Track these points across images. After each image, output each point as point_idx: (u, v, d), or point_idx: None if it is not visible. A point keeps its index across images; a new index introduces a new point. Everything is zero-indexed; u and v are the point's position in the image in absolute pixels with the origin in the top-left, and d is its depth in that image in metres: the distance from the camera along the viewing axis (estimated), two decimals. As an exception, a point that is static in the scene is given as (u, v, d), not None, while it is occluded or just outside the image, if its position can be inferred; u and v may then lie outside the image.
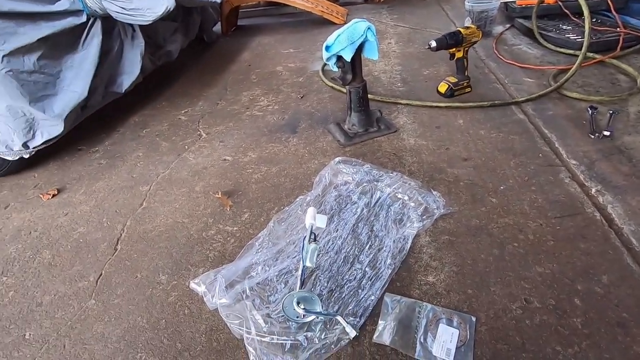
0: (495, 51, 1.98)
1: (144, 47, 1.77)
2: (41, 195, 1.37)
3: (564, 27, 2.04)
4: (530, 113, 1.44)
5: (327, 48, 1.22)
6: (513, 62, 1.84)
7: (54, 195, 1.36)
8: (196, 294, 0.90)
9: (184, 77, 2.28)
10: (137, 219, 1.19)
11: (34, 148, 1.40)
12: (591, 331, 0.72)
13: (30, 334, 0.87)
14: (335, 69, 1.31)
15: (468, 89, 1.63)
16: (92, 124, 1.77)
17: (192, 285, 0.91)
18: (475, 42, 1.55)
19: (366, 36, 1.20)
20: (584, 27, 1.43)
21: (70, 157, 1.60)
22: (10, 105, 1.29)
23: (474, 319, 0.75)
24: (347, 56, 1.22)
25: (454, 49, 1.53)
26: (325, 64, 2.09)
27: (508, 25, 2.32)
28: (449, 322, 0.76)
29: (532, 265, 0.86)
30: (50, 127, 1.40)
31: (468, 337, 0.73)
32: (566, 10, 2.08)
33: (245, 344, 0.75)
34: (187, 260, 1.01)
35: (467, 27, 1.52)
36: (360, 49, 1.26)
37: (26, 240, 1.17)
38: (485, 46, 2.08)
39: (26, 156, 1.42)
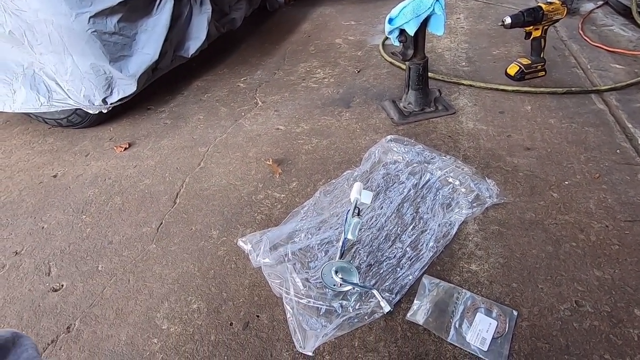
0: (581, 32, 1.77)
1: (210, 14, 1.83)
2: (115, 148, 1.52)
3: (672, 6, 1.76)
4: (613, 104, 1.29)
5: (390, 21, 1.18)
6: (600, 45, 1.64)
7: (125, 149, 1.50)
8: (242, 251, 0.96)
9: (245, 45, 2.33)
10: (195, 177, 1.28)
11: (111, 104, 1.54)
12: (648, 345, 0.66)
13: (102, 266, 1.00)
14: (397, 43, 1.26)
15: (542, 73, 1.49)
16: (159, 86, 1.90)
17: (240, 243, 0.97)
18: (557, 21, 1.39)
19: (433, 9, 1.13)
20: (698, 6, 1.23)
21: (140, 115, 1.73)
22: (94, 63, 1.42)
23: (515, 312, 0.73)
24: (411, 30, 1.17)
25: (531, 27, 1.39)
26: (386, 38, 2.02)
27: (601, 3, 2.04)
28: (488, 312, 0.74)
29: (590, 268, 0.80)
30: (125, 86, 1.53)
31: (507, 330, 0.71)
32: (678, -14, 1.79)
33: (284, 302, 0.80)
34: (237, 219, 1.08)
35: (550, 3, 1.37)
36: (425, 23, 1.19)
37: (101, 186, 1.31)
38: (569, 25, 1.86)
39: (104, 111, 1.57)
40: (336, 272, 0.81)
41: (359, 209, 0.89)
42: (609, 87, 1.35)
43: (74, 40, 1.35)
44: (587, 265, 0.81)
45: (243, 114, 1.62)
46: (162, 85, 1.90)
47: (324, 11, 2.73)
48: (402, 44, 1.25)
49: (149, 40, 1.57)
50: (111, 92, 1.51)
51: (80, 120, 1.63)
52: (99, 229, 1.12)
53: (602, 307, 0.73)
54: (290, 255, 0.91)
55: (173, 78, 1.96)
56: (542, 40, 1.43)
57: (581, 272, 0.79)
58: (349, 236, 0.84)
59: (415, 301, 0.79)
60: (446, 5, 1.20)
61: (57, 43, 1.36)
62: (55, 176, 1.40)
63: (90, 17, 1.34)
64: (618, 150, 1.09)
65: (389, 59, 1.82)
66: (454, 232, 0.91)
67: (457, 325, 0.74)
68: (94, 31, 1.36)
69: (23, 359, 0.27)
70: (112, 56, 1.44)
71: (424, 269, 0.84)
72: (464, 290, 0.79)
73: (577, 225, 0.89)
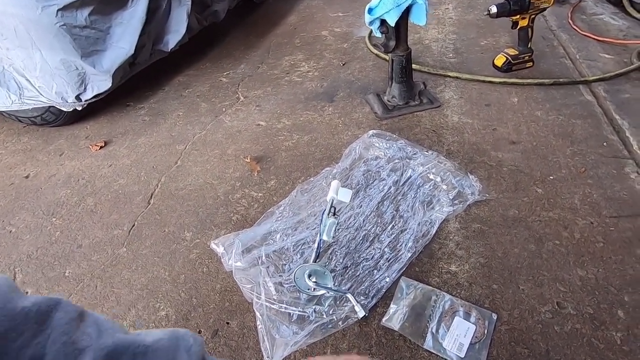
0: (570, 21, 1.73)
1: (190, 6, 1.77)
2: (90, 146, 1.46)
3: (663, -7, 1.72)
4: (601, 95, 1.25)
5: (370, 11, 1.13)
6: (590, 35, 1.60)
7: (101, 147, 1.45)
8: (215, 254, 0.92)
9: (229, 38, 2.27)
10: (171, 176, 1.24)
11: (85, 101, 1.49)
12: (631, 349, 0.64)
13: (69, 272, 0.95)
14: (379, 34, 1.21)
15: (529, 64, 1.45)
16: (139, 81, 1.84)
17: (212, 245, 0.93)
18: (544, 9, 1.35)
19: (415, -2, 1.08)
20: (688, -7, 1.19)
21: (118, 112, 1.68)
22: (64, 59, 1.36)
23: (494, 316, 0.70)
24: (392, 20, 1.12)
25: (517, 16, 1.34)
26: (371, 30, 1.97)
27: (591, -9, 2.00)
28: (467, 316, 0.71)
29: (573, 267, 0.77)
30: (99, 82, 1.47)
31: (485, 334, 0.68)
32: (669, -27, 1.74)
33: (254, 309, 0.77)
34: (212, 220, 1.04)
35: (538, -9, 1.32)
36: (407, 13, 1.14)
37: (74, 187, 1.26)
38: (558, 14, 1.82)
39: (79, 108, 1.51)
40: (309, 275, 0.78)
41: (335, 208, 0.85)
42: (597, 77, 1.31)
43: (42, 34, 1.29)
44: (570, 264, 0.77)
45: (224, 109, 1.57)
46: (142, 80, 1.84)
47: (311, 2, 2.67)
48: (383, 35, 1.21)
49: (124, 33, 1.51)
50: (85, 88, 1.46)
51: (54, 119, 1.57)
52: (68, 232, 1.08)
53: (584, 309, 0.70)
54: (264, 258, 0.87)
55: (154, 73, 1.90)
56: (529, 29, 1.39)
57: (564, 272, 0.76)
58: (325, 237, 0.81)
59: (391, 305, 0.75)
60: (429, -6, 1.15)
61: (23, 37, 1.30)
62: (27, 177, 1.35)
63: (58, 10, 1.28)
64: (605, 143, 1.06)
65: (375, 51, 1.77)
66: (434, 231, 0.88)
67: (434, 331, 0.71)
68: (62, 25, 1.30)
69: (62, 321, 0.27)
70: (83, 51, 1.38)
71: (402, 271, 0.81)
72: (442, 293, 0.76)
73: (561, 222, 0.86)
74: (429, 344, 0.69)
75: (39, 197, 1.24)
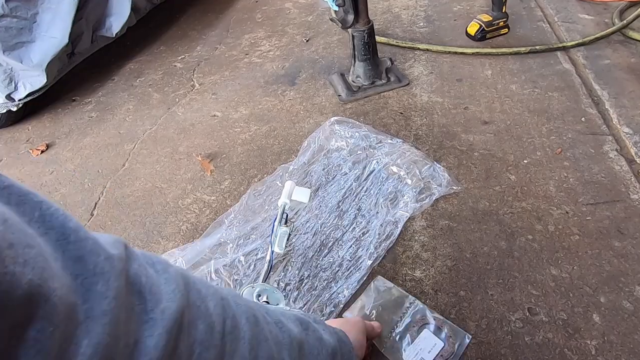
0: (549, -22, 1.60)
1: (132, -17, 1.58)
2: (31, 151, 1.33)
3: (648, -58, 1.58)
4: (580, 62, 1.16)
5: (321, -19, 0.99)
6: (569, -7, 1.47)
7: (43, 151, 1.32)
8: (161, 272, 0.83)
9: (184, 17, 2.07)
10: (117, 181, 1.13)
11: (19, 100, 1.34)
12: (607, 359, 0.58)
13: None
14: (335, 7, 1.08)
15: (504, 30, 1.33)
16: (87, 72, 1.68)
17: (157, 262, 0.84)
18: (519, -32, 1.22)
19: (370, -37, 0.95)
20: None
21: (63, 109, 1.53)
22: (-17, 55, 1.20)
23: (468, 338, 0.63)
24: (346, -9, 0.99)
25: (490, -22, 1.21)
26: None
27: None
28: (437, 331, 0.64)
29: (546, 266, 0.70)
30: (32, 78, 1.31)
31: (453, 355, 0.61)
32: None
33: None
34: (159, 231, 0.94)
35: (511, -53, 1.18)
36: (363, -19, 1.01)
37: (12, 200, 1.14)
38: (536, -29, 1.68)
39: (14, 109, 1.37)
40: (259, 295, 0.70)
41: (287, 215, 0.76)
42: (577, 42, 1.21)
43: (-50, 28, 1.13)
44: (543, 262, 0.71)
45: (177, 99, 1.43)
46: (89, 70, 1.68)
47: (274, -29, 2.45)
48: (340, 8, 1.07)
49: (54, 20, 1.34)
50: (15, 86, 1.30)
51: (-11, 121, 1.42)
52: (2, 254, 0.97)
53: (557, 315, 0.64)
54: (213, 274, 0.78)
55: (103, 61, 1.73)
56: (504, -8, 1.26)
57: (536, 272, 0.69)
58: (276, 249, 0.72)
59: (359, 299, 0.69)
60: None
61: None
62: (-40, 191, 1.22)
63: (-36, -1, 1.10)
64: (583, 118, 0.97)
65: (341, 24, 1.62)
66: (398, 232, 0.80)
67: (397, 338, 0.64)
68: (-27, 15, 1.13)
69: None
70: (5, 44, 1.22)
71: (362, 280, 0.73)
72: (417, 301, 0.68)
73: (534, 213, 0.79)
74: (388, 350, 0.63)
75: (-27, 213, 1.13)
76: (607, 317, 0.62)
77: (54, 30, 1.33)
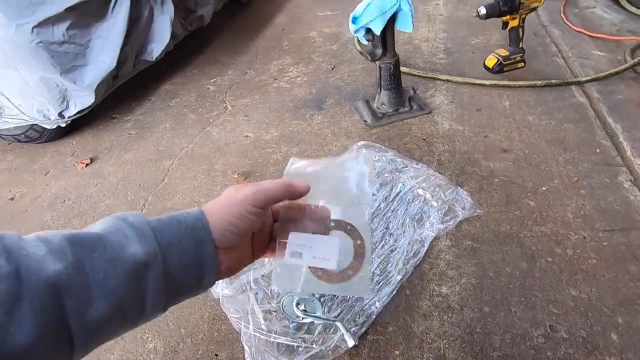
0: (563, 15, 1.69)
1: (173, 13, 1.72)
2: (76, 164, 1.43)
3: (657, -16, 1.68)
4: (594, 96, 1.23)
5: (354, 20, 1.09)
6: (582, 30, 1.56)
7: (87, 164, 1.42)
8: (203, 281, 0.90)
9: (216, 43, 2.22)
10: (158, 194, 1.21)
11: (68, 117, 1.45)
12: (625, 375, 0.62)
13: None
14: (365, 42, 1.18)
15: (521, 64, 1.42)
16: (126, 91, 1.80)
17: (200, 271, 0.91)
18: (535, 9, 1.31)
19: (399, 5, 1.05)
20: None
21: (104, 126, 1.65)
22: (43, 76, 1.32)
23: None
24: (377, 29, 1.09)
25: (507, 17, 1.31)
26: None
27: (584, -18, 1.95)
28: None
29: (566, 287, 0.75)
30: (82, 98, 1.43)
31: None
32: (663, -37, 1.70)
33: (242, 341, 0.75)
34: (199, 243, 1.01)
35: (527, -10, 1.29)
36: (392, 21, 1.11)
37: (60, 209, 1.24)
38: (550, 9, 1.78)
39: (63, 125, 1.48)
40: (297, 304, 0.76)
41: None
42: (590, 77, 1.28)
43: (18, 53, 1.26)
44: (562, 283, 0.76)
45: (211, 120, 1.54)
46: (128, 90, 1.80)
47: (299, 1, 2.61)
48: (370, 42, 1.17)
49: (105, 46, 1.47)
50: (67, 105, 1.42)
51: (38, 136, 1.54)
52: (54, 258, 1.06)
53: (577, 332, 0.68)
54: (252, 283, 0.85)
55: (140, 82, 1.86)
56: (520, 29, 1.35)
57: (556, 292, 0.75)
58: (312, 262, 0.79)
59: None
60: (415, -2, 1.12)
61: (-1, 57, 1.26)
62: (12, 199, 1.33)
63: (33, 27, 1.24)
64: (598, 150, 1.04)
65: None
66: (425, 250, 0.86)
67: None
68: (39, 42, 1.26)
69: None
70: (63, 67, 1.34)
71: (392, 294, 0.79)
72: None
73: (553, 237, 0.85)
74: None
75: (25, 220, 1.22)
76: (624, 337, 0.67)
77: (104, 55, 1.46)
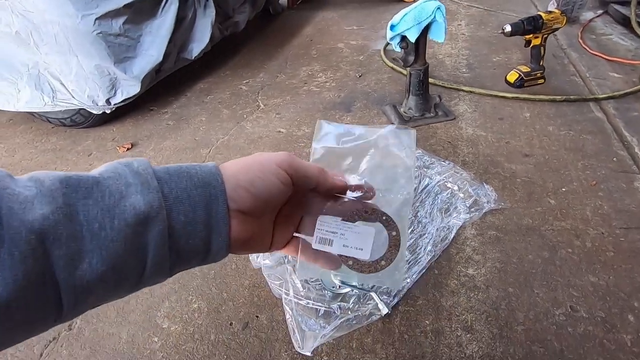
0: (580, 40, 1.79)
1: (214, 17, 1.85)
2: (118, 147, 1.53)
3: (671, 16, 1.78)
4: (611, 112, 1.30)
5: (392, 27, 1.19)
6: (599, 54, 1.66)
7: (128, 149, 1.52)
8: (243, 253, 0.97)
9: (247, 48, 2.35)
10: (197, 178, 1.30)
11: (114, 104, 1.56)
12: (641, 350, 0.68)
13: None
14: (398, 49, 1.28)
15: (541, 81, 1.51)
16: (163, 87, 1.92)
17: (240, 244, 0.98)
18: (557, 29, 1.41)
19: (434, 17, 1.15)
20: (695, 18, 1.24)
21: (143, 116, 1.75)
22: (99, 64, 1.43)
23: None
24: (412, 37, 1.19)
25: (530, 35, 1.41)
26: (387, 44, 2.04)
27: (600, 12, 2.07)
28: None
29: (585, 274, 0.81)
30: (129, 87, 1.54)
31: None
32: (676, -3, 1.81)
33: (283, 303, 0.81)
34: (238, 221, 1.09)
35: (550, 12, 1.39)
36: (426, 30, 1.21)
37: (104, 186, 1.32)
38: (569, 34, 1.88)
39: (108, 111, 1.59)
40: (335, 273, 0.83)
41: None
42: (607, 95, 1.37)
43: (80, 41, 1.37)
44: (582, 271, 0.82)
45: (245, 116, 1.64)
46: (165, 86, 1.91)
47: (327, 15, 2.76)
48: (403, 50, 1.27)
49: (154, 42, 1.59)
50: (115, 92, 1.53)
51: (83, 120, 1.64)
52: (101, 228, 1.13)
53: (596, 313, 0.74)
54: (289, 257, 0.92)
55: (176, 80, 1.98)
56: (542, 48, 1.45)
57: (576, 278, 0.80)
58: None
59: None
60: (447, 11, 1.22)
61: (62, 44, 1.38)
62: (58, 175, 1.42)
63: (96, 19, 1.36)
64: (615, 159, 1.11)
65: (390, 64, 1.83)
66: (452, 237, 0.92)
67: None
68: (99, 32, 1.38)
69: None
70: (116, 57, 1.46)
71: (421, 272, 0.85)
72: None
73: (573, 231, 0.91)
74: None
75: (70, 194, 1.30)
76: (640, 318, 0.72)
77: (152, 49, 1.58)
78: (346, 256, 0.36)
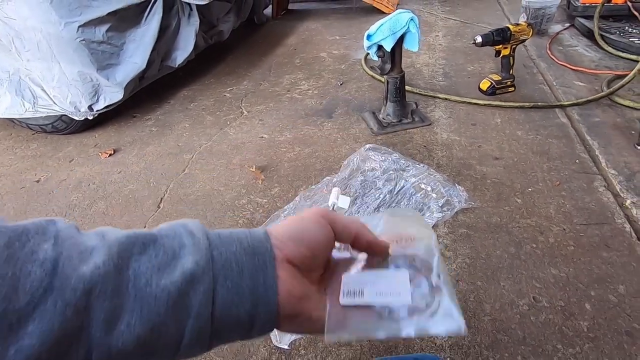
0: (548, 51, 1.90)
1: (198, 25, 1.89)
2: (100, 154, 1.53)
3: (630, 29, 1.90)
4: (575, 118, 1.39)
5: (369, 37, 1.25)
6: (565, 64, 1.76)
7: (110, 155, 1.52)
8: (224, 254, 0.99)
9: (232, 57, 2.39)
10: (179, 182, 1.31)
11: (97, 111, 1.57)
12: (596, 335, 0.73)
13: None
14: (375, 58, 1.34)
15: (511, 89, 1.59)
16: (146, 95, 1.93)
17: (222, 245, 1.00)
18: (524, 41, 1.50)
19: (408, 27, 1.21)
20: (647, 31, 1.34)
21: (126, 123, 1.76)
22: (81, 71, 1.45)
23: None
24: (388, 46, 1.24)
25: (500, 46, 1.49)
26: (368, 53, 2.11)
27: (567, 25, 2.19)
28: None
29: (547, 267, 0.86)
30: (112, 94, 1.56)
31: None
32: (635, 12, 1.94)
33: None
34: (220, 223, 1.11)
35: (517, 24, 1.48)
36: (401, 40, 1.27)
37: (85, 191, 1.33)
38: (538, 45, 1.99)
39: (90, 117, 1.59)
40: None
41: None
42: (572, 102, 1.45)
43: (62, 48, 1.39)
44: (545, 264, 0.87)
45: (228, 122, 1.66)
46: (149, 93, 1.93)
47: (310, 26, 2.83)
48: (380, 58, 1.33)
49: (137, 49, 1.61)
50: (97, 99, 1.54)
51: (65, 127, 1.64)
52: (81, 232, 1.14)
53: (556, 302, 0.79)
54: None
55: (160, 87, 2.00)
56: (511, 58, 1.53)
57: (539, 271, 0.86)
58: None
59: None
60: (422, 23, 1.29)
61: (45, 50, 1.39)
62: (38, 181, 1.41)
63: (79, 26, 1.37)
64: (577, 160, 1.18)
65: (371, 73, 1.90)
66: (425, 235, 0.97)
67: None
68: (82, 40, 1.39)
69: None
70: (99, 64, 1.47)
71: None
72: None
73: (537, 228, 0.96)
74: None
75: (51, 200, 1.30)
76: (596, 306, 0.77)
77: (136, 57, 1.60)
78: (383, 305, 0.30)
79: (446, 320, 0.28)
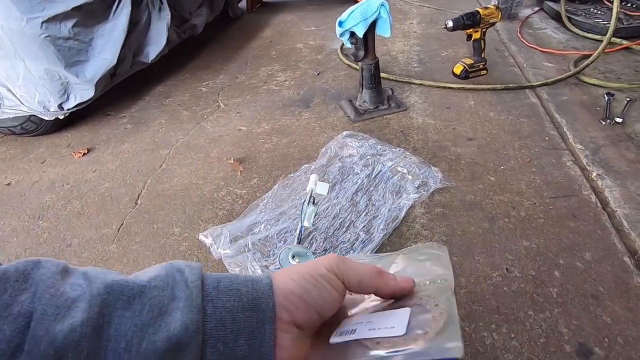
0: (519, 34, 1.94)
1: (170, 19, 1.85)
2: (73, 154, 1.50)
3: (595, 11, 1.96)
4: (544, 97, 1.43)
5: (340, 23, 1.26)
6: (535, 46, 1.80)
7: (84, 154, 1.49)
8: (204, 245, 0.99)
9: (207, 51, 2.35)
10: (157, 178, 1.30)
11: (67, 110, 1.52)
12: (565, 300, 0.76)
13: (60, 269, 0.99)
14: (349, 45, 1.34)
15: (484, 72, 1.62)
16: (120, 92, 1.89)
17: (201, 237, 1.00)
18: (493, 24, 1.53)
19: (379, 13, 1.22)
20: (609, 10, 1.39)
21: (99, 121, 1.72)
22: (48, 68, 1.40)
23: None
24: (360, 32, 1.25)
25: (471, 30, 1.52)
26: (343, 43, 2.11)
27: (537, 9, 2.24)
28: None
29: (519, 240, 0.90)
30: (82, 91, 1.51)
31: None
32: (599, -6, 2.00)
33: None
34: (199, 216, 1.10)
35: (486, 8, 1.50)
36: (373, 26, 1.28)
37: (59, 192, 1.29)
38: (509, 29, 2.03)
39: (61, 117, 1.55)
40: (293, 256, 0.86)
41: (314, 198, 0.94)
42: (541, 82, 1.49)
43: (26, 45, 1.34)
44: (517, 237, 0.90)
45: (205, 116, 1.65)
46: (122, 90, 1.88)
47: (286, 18, 2.81)
48: (353, 45, 1.34)
49: (106, 45, 1.57)
50: (67, 97, 1.50)
51: (35, 128, 1.59)
52: (56, 233, 1.11)
53: (527, 272, 0.82)
54: (250, 245, 0.95)
55: (134, 84, 1.95)
56: (482, 41, 1.56)
57: (512, 244, 0.89)
58: (305, 223, 0.90)
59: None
60: (396, 12, 1.29)
61: (7, 48, 1.34)
62: (9, 184, 1.37)
63: (42, 22, 1.33)
64: (547, 138, 1.22)
65: (347, 62, 1.90)
66: (403, 216, 0.99)
67: None
68: (47, 36, 1.35)
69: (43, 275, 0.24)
70: (67, 61, 1.43)
71: (375, 250, 0.91)
72: None
73: (510, 203, 1.00)
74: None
75: (23, 202, 1.27)
76: (564, 273, 0.81)
77: (105, 53, 1.56)
78: (372, 339, 0.27)
79: (439, 344, 0.25)
